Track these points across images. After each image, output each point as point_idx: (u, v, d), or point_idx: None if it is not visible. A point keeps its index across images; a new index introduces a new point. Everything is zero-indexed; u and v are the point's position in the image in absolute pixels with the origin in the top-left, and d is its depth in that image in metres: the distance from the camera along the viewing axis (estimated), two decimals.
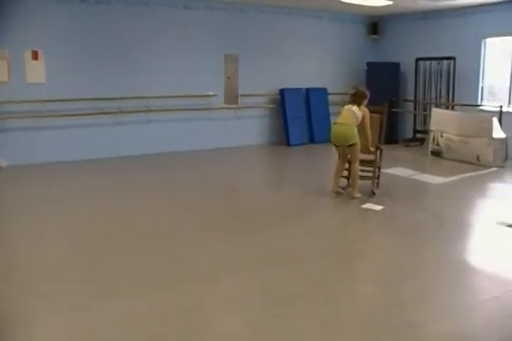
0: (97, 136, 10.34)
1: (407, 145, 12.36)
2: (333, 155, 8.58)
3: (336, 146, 7.59)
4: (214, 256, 5.27)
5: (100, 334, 3.72)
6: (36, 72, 9.62)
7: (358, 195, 7.49)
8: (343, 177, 7.86)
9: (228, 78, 11.87)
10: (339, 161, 7.71)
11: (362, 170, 7.81)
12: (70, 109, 9.87)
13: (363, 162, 7.76)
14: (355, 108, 7.48)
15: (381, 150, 7.75)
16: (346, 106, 7.61)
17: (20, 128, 9.55)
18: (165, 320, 3.92)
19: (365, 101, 7.64)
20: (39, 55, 9.62)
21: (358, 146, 7.47)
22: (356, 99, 7.60)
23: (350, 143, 7.40)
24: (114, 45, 10.33)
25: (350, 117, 7.43)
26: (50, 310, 4.09)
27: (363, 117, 7.49)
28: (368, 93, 7.72)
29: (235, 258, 5.26)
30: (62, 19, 9.76)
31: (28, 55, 9.53)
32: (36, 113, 9.56)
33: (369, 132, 7.50)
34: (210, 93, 11.46)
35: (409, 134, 12.91)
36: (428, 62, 12.53)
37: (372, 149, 7.63)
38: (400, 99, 13.09)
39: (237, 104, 11.96)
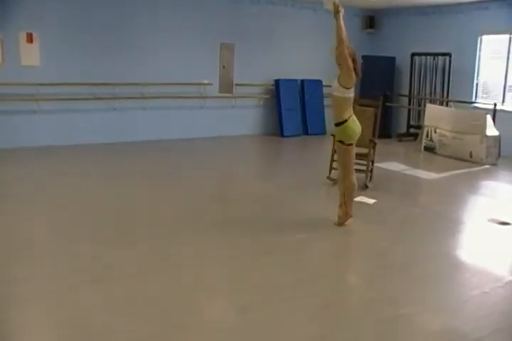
0: (91, 121, 10.27)
1: (400, 140, 12.38)
2: (327, 147, 8.63)
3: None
4: (200, 244, 5.25)
5: (88, 320, 3.72)
6: (30, 55, 9.53)
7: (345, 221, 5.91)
8: (336, 169, 7.85)
9: (223, 67, 11.81)
10: None
11: (355, 163, 7.80)
12: (64, 93, 9.80)
13: (356, 155, 7.77)
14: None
15: (375, 144, 7.75)
16: None
17: (13, 111, 9.47)
18: (150, 306, 3.93)
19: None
20: (34, 38, 9.53)
21: (347, 151, 5.76)
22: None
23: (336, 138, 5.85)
24: (110, 30, 10.23)
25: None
26: (36, 294, 4.08)
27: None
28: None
29: (221, 246, 5.26)
30: (58, 1, 9.66)
31: (23, 37, 9.43)
32: (30, 96, 9.47)
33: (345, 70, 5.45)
34: (205, 81, 11.41)
35: (403, 129, 12.93)
36: (424, 57, 12.53)
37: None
38: (394, 93, 13.10)
39: (231, 93, 11.92)
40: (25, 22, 9.39)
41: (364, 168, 7.70)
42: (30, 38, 9.50)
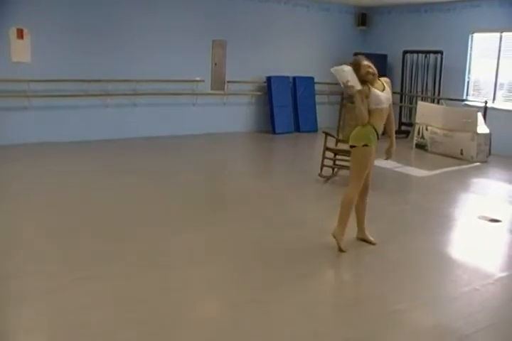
0: (83, 118, 10.22)
1: None
2: (318, 144, 8.61)
3: None
4: (192, 242, 5.25)
5: (82, 318, 3.69)
6: (21, 51, 9.46)
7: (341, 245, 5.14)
8: (328, 166, 7.87)
9: (215, 64, 11.80)
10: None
11: (345, 160, 7.80)
12: (55, 90, 9.75)
13: (347, 152, 7.76)
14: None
15: None
16: None
17: (3, 107, 9.39)
18: (143, 304, 3.92)
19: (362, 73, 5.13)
20: (24, 34, 9.46)
21: (358, 154, 5.19)
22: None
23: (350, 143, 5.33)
24: (102, 27, 10.18)
25: None
26: (28, 292, 4.05)
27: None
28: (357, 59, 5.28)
29: (214, 244, 5.25)
30: None
31: (13, 33, 9.36)
32: (20, 93, 9.42)
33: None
34: (197, 78, 11.39)
35: (395, 126, 12.92)
36: (415, 55, 12.57)
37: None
38: None
39: (223, 90, 11.91)
40: (15, 17, 9.31)
41: None
42: (20, 34, 9.43)
